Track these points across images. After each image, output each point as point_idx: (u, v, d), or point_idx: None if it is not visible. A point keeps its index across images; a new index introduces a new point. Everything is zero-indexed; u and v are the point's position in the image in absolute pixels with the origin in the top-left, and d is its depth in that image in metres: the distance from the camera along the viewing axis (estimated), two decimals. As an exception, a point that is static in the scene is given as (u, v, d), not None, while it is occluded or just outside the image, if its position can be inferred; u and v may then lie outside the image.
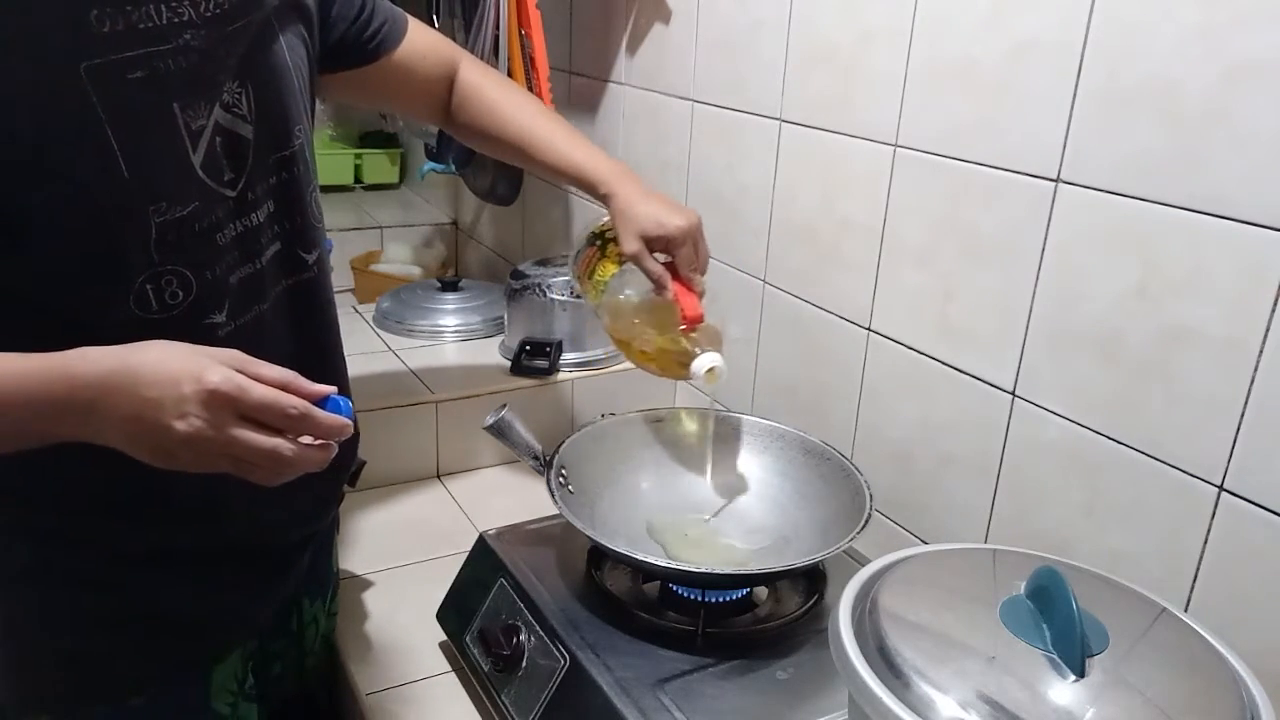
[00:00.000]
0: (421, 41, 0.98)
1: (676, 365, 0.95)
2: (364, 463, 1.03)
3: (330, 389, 0.66)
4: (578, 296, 1.26)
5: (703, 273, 0.98)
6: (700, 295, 0.96)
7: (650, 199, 0.96)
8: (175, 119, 0.68)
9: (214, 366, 0.60)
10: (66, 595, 0.76)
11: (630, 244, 0.95)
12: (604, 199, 0.98)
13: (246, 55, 0.73)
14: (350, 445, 0.95)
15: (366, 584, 1.06)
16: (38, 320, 0.67)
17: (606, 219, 1.00)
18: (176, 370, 0.60)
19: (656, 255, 0.95)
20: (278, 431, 0.62)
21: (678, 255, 0.95)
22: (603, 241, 1.02)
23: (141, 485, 0.70)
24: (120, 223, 0.66)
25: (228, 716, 0.85)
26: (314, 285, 0.85)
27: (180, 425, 0.59)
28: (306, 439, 0.63)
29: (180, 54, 0.67)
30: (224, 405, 0.60)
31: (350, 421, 0.66)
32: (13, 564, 0.76)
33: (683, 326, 0.94)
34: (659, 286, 0.95)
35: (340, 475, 0.95)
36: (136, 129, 0.65)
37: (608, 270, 1.02)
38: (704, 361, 0.92)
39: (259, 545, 0.84)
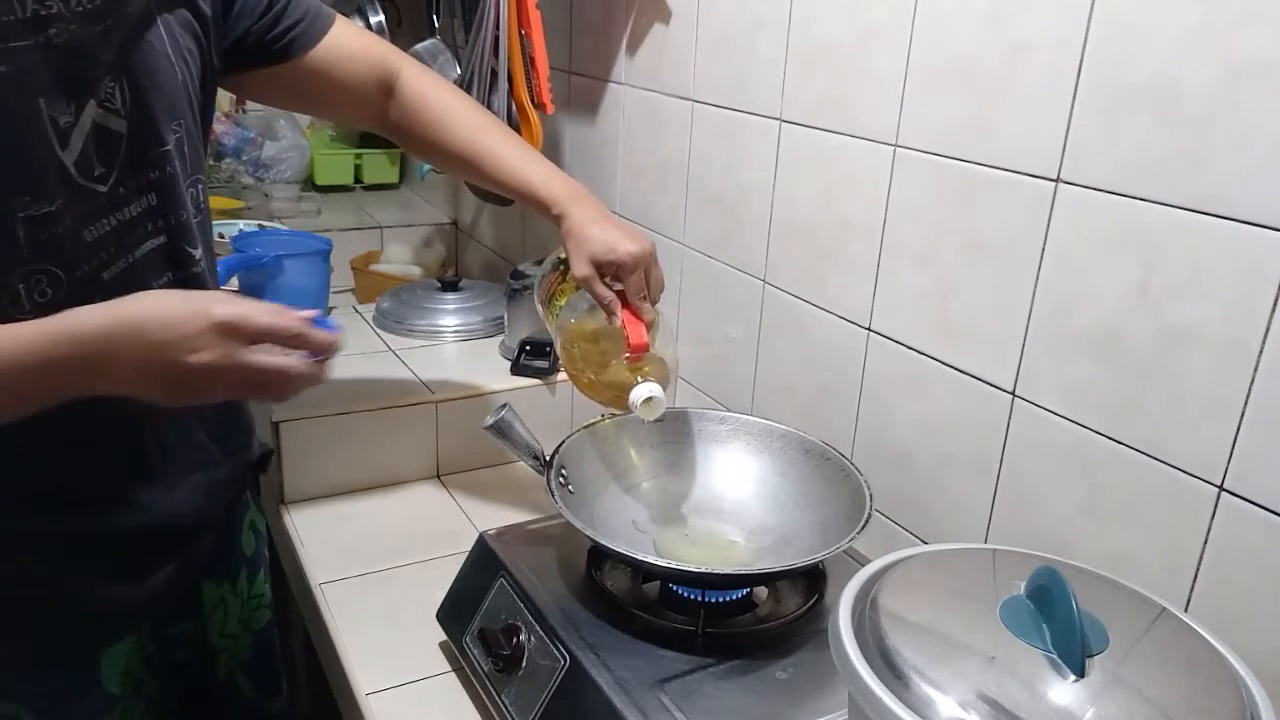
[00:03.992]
0: (347, 43, 0.95)
1: (618, 394, 0.93)
2: (270, 450, 1.02)
3: (315, 311, 0.73)
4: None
5: (654, 302, 0.96)
6: (649, 325, 0.94)
7: (604, 223, 0.94)
8: (40, 115, 0.67)
9: (215, 302, 0.67)
10: None
11: (581, 268, 0.93)
12: (556, 220, 0.96)
13: (122, 50, 0.72)
14: (243, 433, 0.96)
15: (367, 584, 1.06)
16: None
17: None
18: (177, 313, 0.66)
19: (609, 282, 0.94)
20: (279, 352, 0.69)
21: (627, 283, 0.94)
22: (565, 267, 1.01)
23: (10, 476, 0.72)
24: None
25: (120, 697, 0.85)
26: (203, 281, 0.84)
27: (194, 359, 0.65)
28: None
29: (47, 50, 0.66)
30: (233, 334, 0.66)
31: (340, 335, 0.74)
32: None
33: (627, 355, 0.92)
34: (607, 313, 0.93)
35: (235, 463, 0.94)
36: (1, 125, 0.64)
37: (565, 296, 1.01)
38: (641, 391, 0.91)
39: (144, 534, 0.83)
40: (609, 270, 0.94)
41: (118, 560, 0.82)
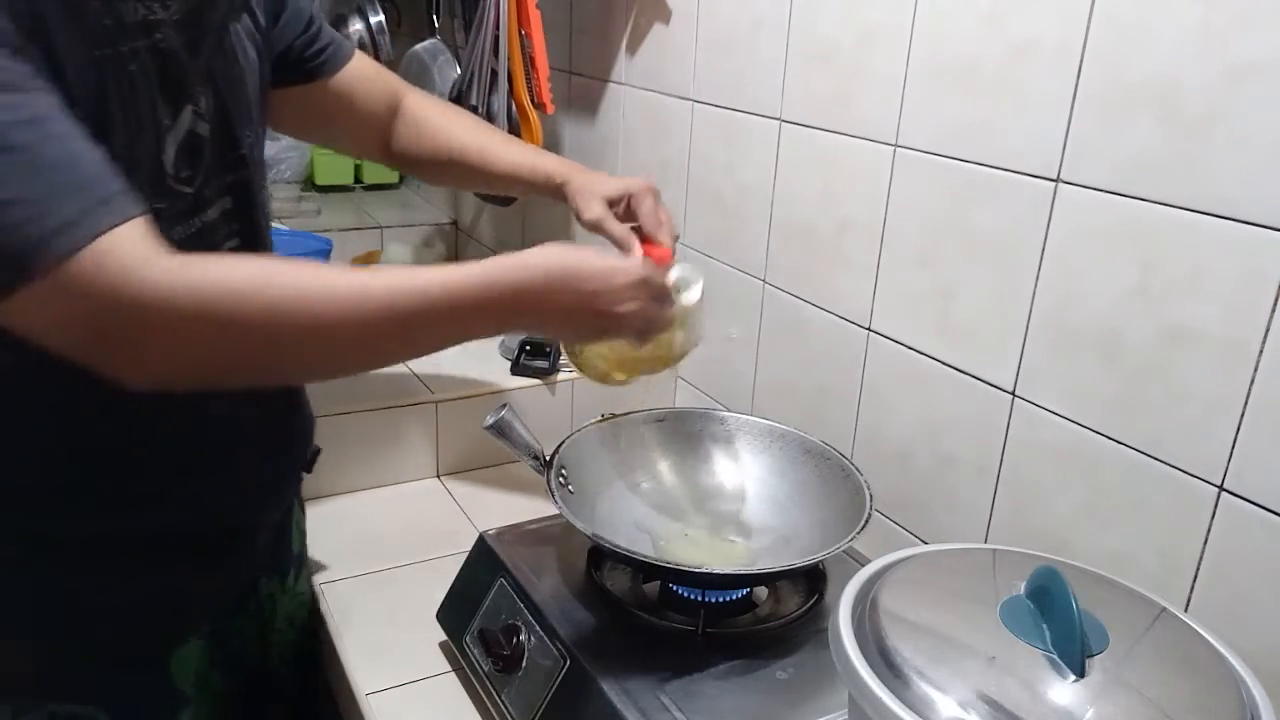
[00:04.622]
0: (365, 71, 1.00)
1: (636, 359, 0.90)
2: (319, 449, 1.04)
3: None
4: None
5: (670, 236, 0.97)
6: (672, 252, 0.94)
7: (608, 177, 0.98)
8: (156, 114, 0.70)
9: (634, 262, 0.79)
10: (10, 586, 0.77)
11: (594, 209, 0.95)
12: (561, 188, 0.98)
13: (209, 56, 0.75)
14: (305, 432, 0.98)
15: (367, 584, 1.06)
16: None
17: None
18: (609, 268, 0.75)
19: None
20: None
21: (641, 209, 0.95)
22: None
23: (78, 477, 0.74)
24: None
25: (192, 697, 0.86)
26: None
27: (620, 308, 0.75)
28: None
29: (154, 54, 0.69)
30: (648, 289, 0.77)
31: None
32: None
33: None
34: (624, 247, 0.93)
35: (295, 460, 0.97)
36: (129, 121, 0.67)
37: None
38: (674, 273, 0.88)
39: (210, 533, 0.85)
40: (621, 206, 0.96)
41: (188, 560, 0.84)
